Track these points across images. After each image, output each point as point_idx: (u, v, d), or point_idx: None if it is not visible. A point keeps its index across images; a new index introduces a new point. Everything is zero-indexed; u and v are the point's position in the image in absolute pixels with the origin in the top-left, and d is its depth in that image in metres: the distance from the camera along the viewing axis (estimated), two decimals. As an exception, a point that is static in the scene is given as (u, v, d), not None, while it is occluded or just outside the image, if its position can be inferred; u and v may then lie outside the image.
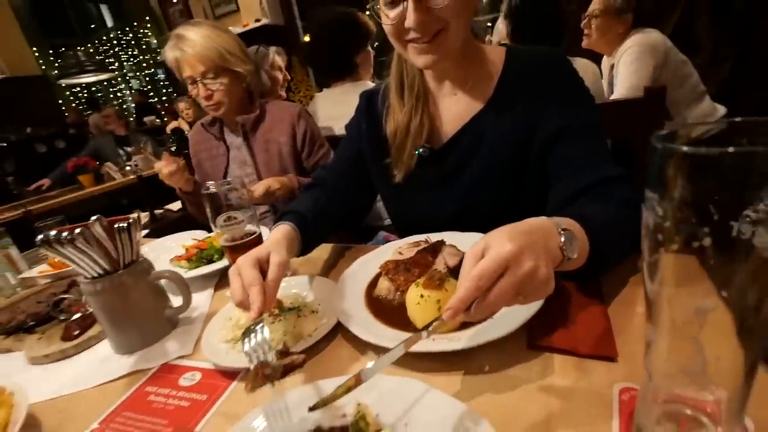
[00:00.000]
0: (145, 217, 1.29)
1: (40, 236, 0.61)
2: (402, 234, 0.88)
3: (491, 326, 0.52)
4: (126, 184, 3.12)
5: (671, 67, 1.75)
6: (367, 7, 0.73)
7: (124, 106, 7.65)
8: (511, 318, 0.51)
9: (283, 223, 0.75)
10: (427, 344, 0.51)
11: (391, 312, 0.62)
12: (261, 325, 0.52)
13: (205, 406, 0.54)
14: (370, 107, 0.90)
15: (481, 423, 0.39)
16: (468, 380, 0.48)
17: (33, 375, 0.71)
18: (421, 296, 0.55)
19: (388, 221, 1.09)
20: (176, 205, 2.99)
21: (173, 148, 3.80)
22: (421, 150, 0.82)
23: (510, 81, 0.77)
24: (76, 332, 0.78)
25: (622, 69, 1.75)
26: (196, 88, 1.27)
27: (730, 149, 0.24)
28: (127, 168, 3.51)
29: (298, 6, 4.45)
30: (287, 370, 0.48)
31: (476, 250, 0.43)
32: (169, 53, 1.26)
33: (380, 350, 0.54)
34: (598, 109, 0.75)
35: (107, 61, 7.39)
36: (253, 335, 0.50)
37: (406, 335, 0.54)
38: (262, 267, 0.60)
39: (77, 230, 0.61)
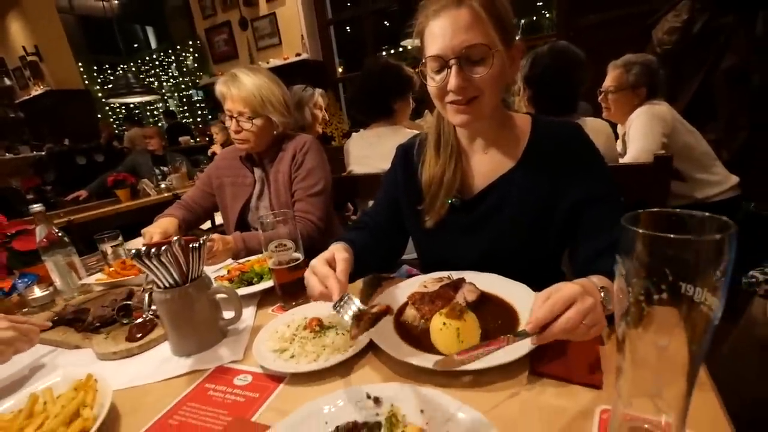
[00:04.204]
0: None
1: (133, 250, 0.75)
2: (427, 271, 0.98)
3: (504, 355, 0.61)
4: (160, 201, 3.32)
5: (680, 136, 1.89)
6: (416, 70, 0.87)
7: (159, 124, 8.07)
8: (518, 349, 0.62)
9: (338, 242, 0.86)
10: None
11: (416, 336, 0.73)
12: (346, 295, 0.66)
13: (257, 402, 0.65)
14: (406, 159, 1.02)
15: (491, 430, 0.49)
16: (481, 395, 0.59)
17: (104, 368, 0.81)
18: (444, 324, 0.66)
19: (409, 256, 1.20)
20: (206, 225, 3.20)
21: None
22: (453, 200, 0.92)
23: (536, 147, 0.89)
24: (139, 335, 0.90)
25: (633, 133, 1.91)
26: (231, 121, 1.42)
27: (671, 236, 0.35)
28: (162, 186, 3.74)
29: (336, 44, 4.78)
30: (378, 317, 0.63)
31: (544, 293, 0.59)
32: (220, 86, 1.41)
33: (406, 366, 0.65)
34: (612, 177, 0.86)
35: (148, 80, 7.76)
36: (342, 302, 0.66)
37: (428, 356, 0.65)
38: (331, 266, 0.74)
39: (163, 247, 0.75)
